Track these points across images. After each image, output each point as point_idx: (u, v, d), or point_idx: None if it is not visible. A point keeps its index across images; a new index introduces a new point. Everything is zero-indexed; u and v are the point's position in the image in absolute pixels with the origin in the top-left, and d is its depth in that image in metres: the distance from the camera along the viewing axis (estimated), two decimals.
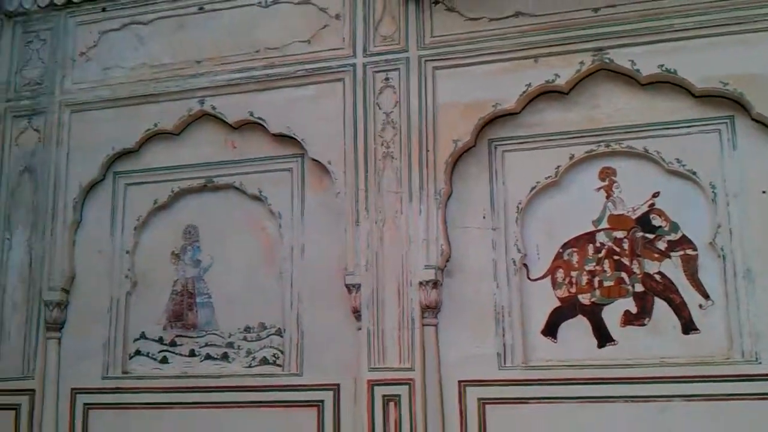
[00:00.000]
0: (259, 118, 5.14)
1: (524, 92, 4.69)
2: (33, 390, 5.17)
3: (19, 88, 5.67)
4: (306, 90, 5.10)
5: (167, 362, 5.14)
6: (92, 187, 5.41)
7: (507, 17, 4.81)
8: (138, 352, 5.19)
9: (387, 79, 4.95)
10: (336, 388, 4.74)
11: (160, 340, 5.18)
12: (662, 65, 4.49)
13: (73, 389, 5.17)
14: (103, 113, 5.45)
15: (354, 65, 5.03)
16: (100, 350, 5.18)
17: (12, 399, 5.19)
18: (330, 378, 4.76)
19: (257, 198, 5.16)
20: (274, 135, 5.12)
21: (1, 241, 5.44)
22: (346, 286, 4.75)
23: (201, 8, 5.42)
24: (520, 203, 4.68)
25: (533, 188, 4.68)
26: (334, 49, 5.10)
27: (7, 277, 5.38)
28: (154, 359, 5.16)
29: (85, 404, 5.15)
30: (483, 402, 4.47)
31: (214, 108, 5.24)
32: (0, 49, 5.74)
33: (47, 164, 5.46)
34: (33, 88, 5.64)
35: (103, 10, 5.61)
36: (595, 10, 4.65)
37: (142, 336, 5.21)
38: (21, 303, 5.31)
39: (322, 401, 4.75)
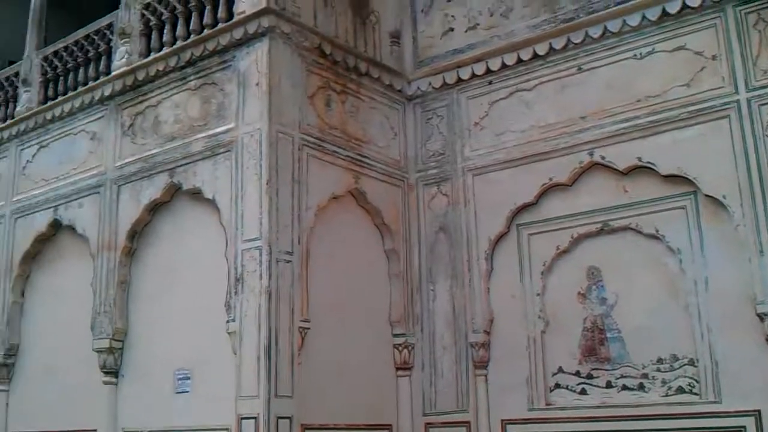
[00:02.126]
0: (649, 162, 5.50)
1: None
2: (468, 422, 5.94)
3: (425, 160, 6.60)
4: (691, 131, 5.39)
5: (586, 393, 5.61)
6: (499, 239, 6.09)
7: None
8: (557, 385, 5.73)
9: None
10: (757, 414, 4.90)
11: (577, 374, 5.67)
12: None
13: (502, 420, 5.84)
14: (501, 174, 6.16)
15: (738, 101, 5.23)
16: (523, 384, 5.80)
17: (450, 431, 6.00)
18: (750, 404, 4.93)
19: (654, 237, 5.49)
20: (664, 176, 5.44)
21: (427, 292, 6.34)
22: (758, 315, 4.92)
23: (579, 68, 5.94)
24: None
25: None
26: (714, 89, 5.34)
27: (434, 322, 6.25)
28: (574, 391, 5.66)
29: None
30: None
31: (603, 158, 5.70)
32: (405, 128, 6.72)
33: (458, 223, 6.29)
34: (437, 159, 6.52)
35: (490, 83, 6.35)
36: None
37: (560, 370, 5.75)
38: (449, 345, 6.15)
39: (744, 427, 4.93)
